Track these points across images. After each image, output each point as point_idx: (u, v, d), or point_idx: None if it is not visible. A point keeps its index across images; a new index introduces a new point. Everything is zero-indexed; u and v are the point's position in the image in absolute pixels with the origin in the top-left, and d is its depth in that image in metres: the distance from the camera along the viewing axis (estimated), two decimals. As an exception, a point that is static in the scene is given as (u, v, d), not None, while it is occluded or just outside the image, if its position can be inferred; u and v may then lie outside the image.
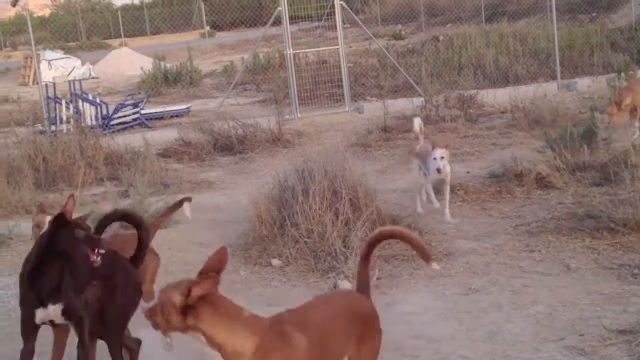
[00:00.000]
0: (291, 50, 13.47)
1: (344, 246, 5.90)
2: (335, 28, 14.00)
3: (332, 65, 14.15)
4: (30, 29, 13.34)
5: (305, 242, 6.06)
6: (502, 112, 12.08)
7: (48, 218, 4.53)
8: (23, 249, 6.98)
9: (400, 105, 12.75)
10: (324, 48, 15.23)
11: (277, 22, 14.09)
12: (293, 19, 14.65)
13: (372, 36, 16.35)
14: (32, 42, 13.78)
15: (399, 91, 14.73)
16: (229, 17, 37.85)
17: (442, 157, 6.79)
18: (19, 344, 3.96)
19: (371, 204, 6.33)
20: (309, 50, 15.30)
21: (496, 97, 12.61)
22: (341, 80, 13.67)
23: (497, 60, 15.41)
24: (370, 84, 15.95)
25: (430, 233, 6.53)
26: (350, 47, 19.96)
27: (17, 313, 4.75)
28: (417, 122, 7.43)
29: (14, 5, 13.96)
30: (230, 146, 10.96)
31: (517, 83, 13.89)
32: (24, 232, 7.40)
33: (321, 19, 20.86)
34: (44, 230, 3.89)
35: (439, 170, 6.77)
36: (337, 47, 13.93)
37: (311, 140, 11.18)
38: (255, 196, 6.70)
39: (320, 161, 6.58)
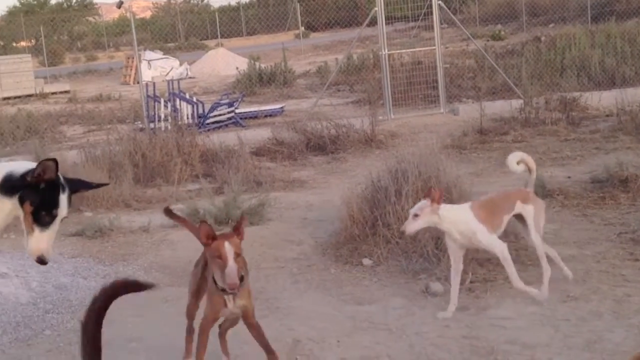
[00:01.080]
0: (386, 51, 13.38)
1: (436, 248, 5.80)
2: (432, 28, 13.84)
3: (427, 66, 13.99)
4: (133, 31, 13.72)
5: (396, 242, 5.98)
6: (607, 116, 11.64)
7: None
8: (122, 241, 7.24)
9: (497, 107, 12.49)
10: (420, 49, 15.08)
11: (373, 22, 14.05)
12: (388, 20, 14.54)
13: (470, 36, 16.10)
14: (135, 43, 14.15)
15: (496, 93, 14.44)
16: (323, 17, 38.12)
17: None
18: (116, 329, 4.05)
19: (465, 207, 6.20)
20: (404, 51, 15.18)
21: (601, 99, 12.16)
22: (436, 82, 13.50)
23: (604, 61, 14.87)
24: (466, 85, 15.72)
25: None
26: (447, 47, 19.74)
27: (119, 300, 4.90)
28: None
29: (119, 7, 14.37)
30: (323, 146, 10.96)
31: (625, 85, 13.37)
32: (124, 224, 7.65)
33: (417, 20, 20.71)
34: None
35: None
36: (433, 47, 13.77)
37: (404, 142, 11.08)
38: (347, 196, 6.66)
39: (414, 162, 6.49)
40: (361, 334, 4.76)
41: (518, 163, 5.29)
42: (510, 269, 4.86)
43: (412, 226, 4.81)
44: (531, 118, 11.37)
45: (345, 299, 5.37)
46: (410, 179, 6.25)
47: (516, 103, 12.13)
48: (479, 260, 5.71)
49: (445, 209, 4.84)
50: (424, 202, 4.79)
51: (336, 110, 14.41)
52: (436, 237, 5.88)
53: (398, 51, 14.91)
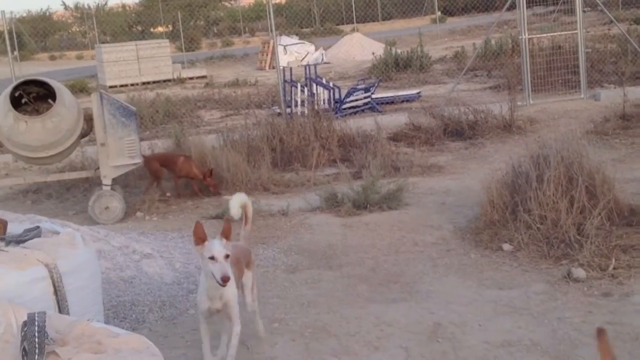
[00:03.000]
0: (526, 35, 13.05)
1: (579, 234, 5.67)
2: (571, 12, 13.36)
3: (567, 51, 13.53)
4: (271, 16, 13.93)
5: (537, 228, 5.88)
6: None
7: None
8: (262, 224, 7.42)
9: (641, 92, 11.97)
10: (561, 33, 14.59)
11: (511, 6, 13.72)
12: (528, 4, 14.15)
13: (614, 19, 15.45)
14: (273, 28, 14.39)
15: (640, 78, 13.83)
16: (460, 2, 37.56)
17: None
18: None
19: (608, 193, 6.02)
20: (545, 35, 14.71)
21: None
22: (577, 67, 13.05)
23: None
24: (608, 70, 15.10)
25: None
26: (587, 31, 19.03)
27: (265, 280, 5.05)
28: None
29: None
30: (461, 131, 10.85)
31: None
32: (263, 208, 7.84)
33: (557, 3, 20.03)
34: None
35: None
36: (575, 31, 13.31)
37: (544, 127, 10.81)
38: (487, 181, 6.60)
39: (555, 147, 6.35)
40: (503, 318, 4.72)
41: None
42: None
43: None
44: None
45: (485, 283, 5.34)
46: (552, 164, 6.12)
47: (663, 88, 11.58)
48: (623, 247, 5.54)
49: None
50: None
51: (474, 96, 14.22)
52: (578, 224, 5.74)
53: (538, 35, 14.46)
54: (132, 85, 23.52)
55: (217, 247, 3.87)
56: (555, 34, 14.70)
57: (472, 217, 6.77)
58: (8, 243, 3.02)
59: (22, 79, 7.96)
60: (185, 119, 15.11)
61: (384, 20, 45.39)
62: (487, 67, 17.92)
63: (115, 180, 8.31)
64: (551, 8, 22.43)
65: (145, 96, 17.51)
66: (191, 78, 24.90)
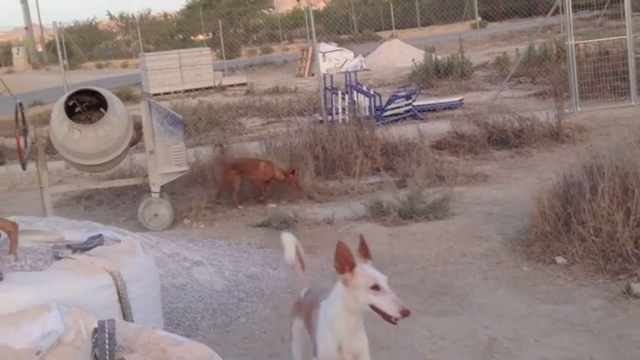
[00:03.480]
0: (573, 40, 12.90)
1: (636, 247, 5.55)
2: (619, 16, 13.19)
3: (615, 57, 13.35)
4: (312, 23, 13.98)
5: (592, 241, 5.76)
6: None
7: None
8: (308, 232, 7.41)
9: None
10: (609, 38, 14.41)
11: (555, 11, 13.58)
12: (573, 8, 13.99)
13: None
14: (314, 36, 14.43)
15: (694, 85, 13.53)
16: (501, 6, 37.23)
17: None
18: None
19: (668, 205, 5.88)
20: (592, 40, 14.53)
21: None
22: (626, 73, 12.86)
23: None
24: (659, 76, 14.85)
25: None
26: (636, 36, 18.78)
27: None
28: None
29: (298, 0, 14.71)
30: (506, 140, 10.73)
31: None
32: (308, 216, 7.85)
33: (602, 7, 19.78)
34: None
35: None
36: (623, 37, 13.13)
37: (594, 136, 10.66)
38: (537, 191, 6.50)
39: (610, 157, 6.23)
40: (560, 334, 4.65)
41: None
42: None
43: None
44: None
45: (539, 297, 5.27)
46: (606, 175, 6.00)
47: None
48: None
49: None
50: None
51: (518, 103, 14.09)
52: (636, 237, 5.63)
53: (585, 41, 14.29)
54: (174, 92, 23.84)
55: (378, 273, 3.05)
56: (603, 39, 14.52)
57: (522, 228, 6.68)
58: (74, 250, 3.06)
59: (75, 89, 8.12)
60: (227, 126, 15.21)
61: (423, 26, 45.21)
62: (531, 74, 17.72)
63: (163, 188, 8.39)
64: (596, 12, 22.15)
65: (188, 103, 17.69)
66: (232, 85, 25.15)
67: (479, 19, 38.40)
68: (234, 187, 8.92)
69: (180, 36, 51.93)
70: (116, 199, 9.74)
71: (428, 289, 5.64)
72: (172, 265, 5.95)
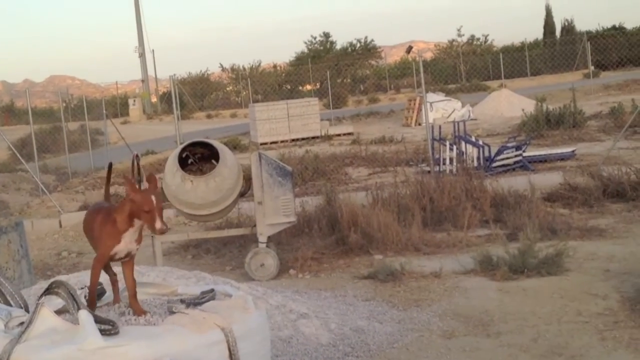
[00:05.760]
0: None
1: None
2: None
3: None
4: (422, 73, 13.99)
5: None
6: None
7: None
8: (414, 285, 7.30)
9: None
10: None
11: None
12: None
13: None
14: (423, 85, 14.43)
15: None
16: (615, 55, 36.37)
17: None
18: None
19: None
20: None
21: None
22: None
23: None
24: None
25: None
26: None
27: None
28: None
29: (408, 52, 14.83)
30: (622, 192, 10.32)
31: None
32: (415, 269, 7.75)
33: None
34: None
35: None
36: None
37: None
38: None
39: None
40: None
41: None
42: None
43: None
44: None
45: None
46: None
47: None
48: None
49: None
50: None
51: (635, 155, 13.57)
52: None
53: None
54: (282, 142, 24.18)
55: None
56: None
57: (640, 287, 6.38)
58: (188, 305, 3.10)
59: (189, 141, 8.35)
60: (333, 175, 15.26)
61: (532, 75, 44.60)
62: (647, 124, 17.10)
63: (269, 238, 8.47)
64: None
65: (295, 153, 17.88)
66: (338, 135, 25.29)
67: (592, 68, 37.53)
68: None
69: (288, 86, 53.00)
70: (223, 248, 9.89)
71: (541, 349, 5.42)
72: (279, 317, 5.94)
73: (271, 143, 24.02)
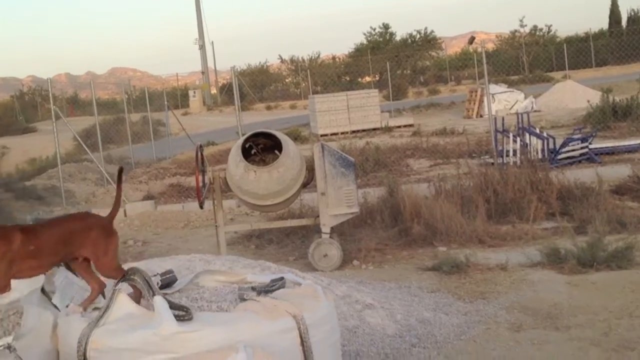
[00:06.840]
0: None
1: None
2: None
3: None
4: (484, 65, 13.80)
5: None
6: None
7: None
8: (480, 278, 7.20)
9: None
10: None
11: None
12: None
13: None
14: (486, 78, 14.25)
15: None
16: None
17: None
18: None
19: None
20: None
21: None
22: None
23: None
24: None
25: None
26: None
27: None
28: None
29: (470, 42, 14.65)
30: (695, 185, 10.06)
31: None
32: (480, 261, 7.65)
33: None
34: None
35: None
36: None
37: None
38: None
39: None
40: None
41: None
42: None
43: None
44: None
45: None
46: None
47: None
48: None
49: None
50: None
51: None
52: None
53: None
54: (342, 133, 24.17)
55: None
56: None
57: None
58: (259, 293, 3.11)
59: (252, 132, 8.38)
60: (394, 167, 15.18)
61: (597, 66, 43.65)
62: None
63: (332, 229, 8.45)
64: None
65: (355, 144, 17.83)
66: (398, 126, 25.20)
67: (659, 58, 36.56)
68: None
69: (348, 78, 52.92)
70: (285, 239, 9.92)
71: (612, 343, 5.29)
72: (344, 307, 5.93)
73: (331, 134, 24.04)
